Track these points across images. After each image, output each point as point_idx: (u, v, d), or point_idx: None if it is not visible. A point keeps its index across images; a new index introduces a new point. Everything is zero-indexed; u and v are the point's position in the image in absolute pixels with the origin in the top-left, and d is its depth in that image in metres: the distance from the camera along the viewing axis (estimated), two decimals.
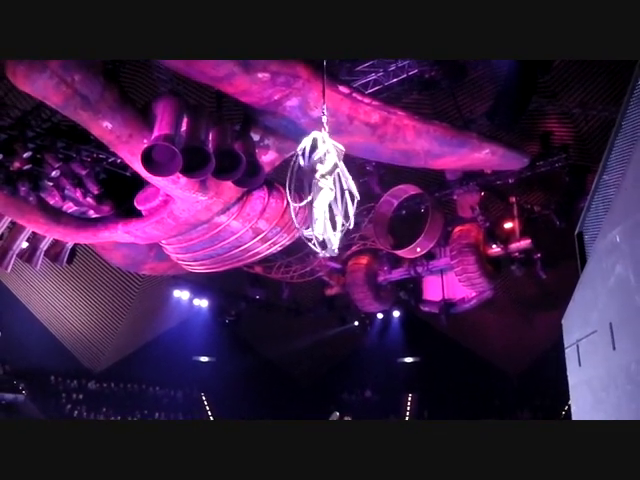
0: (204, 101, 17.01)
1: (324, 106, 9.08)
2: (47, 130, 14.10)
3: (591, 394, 7.03)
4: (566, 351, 7.88)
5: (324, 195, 8.51)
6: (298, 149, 7.83)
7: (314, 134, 8.16)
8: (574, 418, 7.71)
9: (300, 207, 8.24)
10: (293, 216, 8.22)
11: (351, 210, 7.91)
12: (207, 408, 31.18)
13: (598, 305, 6.95)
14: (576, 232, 8.33)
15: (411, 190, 18.22)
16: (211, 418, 30.29)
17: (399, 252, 18.99)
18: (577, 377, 7.55)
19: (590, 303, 7.17)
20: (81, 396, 28.61)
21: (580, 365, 7.34)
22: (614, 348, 6.50)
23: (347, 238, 19.11)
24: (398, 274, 21.67)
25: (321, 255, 8.52)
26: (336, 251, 8.13)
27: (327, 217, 8.57)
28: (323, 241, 8.59)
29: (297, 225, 8.73)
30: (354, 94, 12.99)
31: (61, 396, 28.27)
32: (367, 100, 13.07)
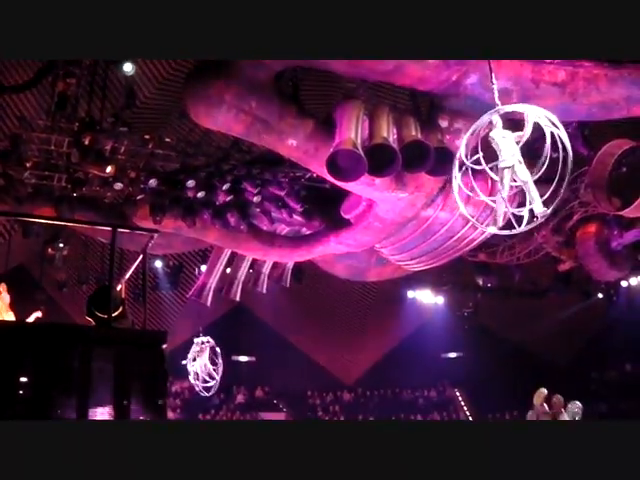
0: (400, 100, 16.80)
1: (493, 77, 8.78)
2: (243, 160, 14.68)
3: None
4: None
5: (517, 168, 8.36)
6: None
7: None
8: None
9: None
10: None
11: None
12: (462, 405, 30.81)
13: None
14: None
15: (624, 144, 16.69)
16: (468, 415, 29.90)
17: (626, 213, 17.50)
18: None
19: None
20: (337, 407, 29.47)
21: None
22: None
23: (565, 208, 18.04)
24: (631, 236, 19.97)
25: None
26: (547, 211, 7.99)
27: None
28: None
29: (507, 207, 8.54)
30: None
31: (317, 410, 29.32)
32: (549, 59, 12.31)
